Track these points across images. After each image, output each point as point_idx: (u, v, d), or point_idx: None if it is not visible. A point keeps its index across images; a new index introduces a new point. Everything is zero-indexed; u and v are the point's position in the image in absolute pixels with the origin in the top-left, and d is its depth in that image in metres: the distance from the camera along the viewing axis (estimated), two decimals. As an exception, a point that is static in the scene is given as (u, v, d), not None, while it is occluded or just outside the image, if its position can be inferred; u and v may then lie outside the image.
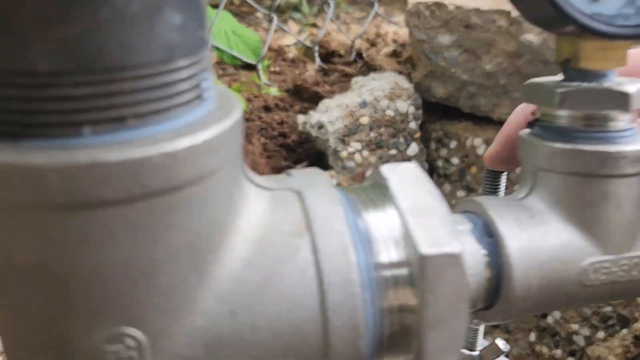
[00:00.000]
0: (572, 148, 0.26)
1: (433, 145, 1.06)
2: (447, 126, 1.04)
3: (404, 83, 1.03)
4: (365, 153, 0.98)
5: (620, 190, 0.27)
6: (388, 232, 0.25)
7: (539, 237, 0.27)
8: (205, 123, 0.19)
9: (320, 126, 0.96)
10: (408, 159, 1.03)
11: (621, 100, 0.26)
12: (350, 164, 0.96)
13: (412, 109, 1.02)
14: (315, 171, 0.26)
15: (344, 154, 0.96)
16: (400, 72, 1.08)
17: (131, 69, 0.17)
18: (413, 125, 1.02)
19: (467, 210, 0.29)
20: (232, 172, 0.21)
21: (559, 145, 0.27)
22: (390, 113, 0.99)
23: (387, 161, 1.00)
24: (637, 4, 0.25)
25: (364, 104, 0.98)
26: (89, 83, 0.17)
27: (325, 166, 0.98)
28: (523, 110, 0.39)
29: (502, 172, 0.41)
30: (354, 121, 0.97)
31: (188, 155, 0.18)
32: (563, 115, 0.27)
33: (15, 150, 0.17)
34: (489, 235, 0.27)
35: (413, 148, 1.03)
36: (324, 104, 1.00)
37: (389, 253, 0.24)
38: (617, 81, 0.27)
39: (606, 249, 0.27)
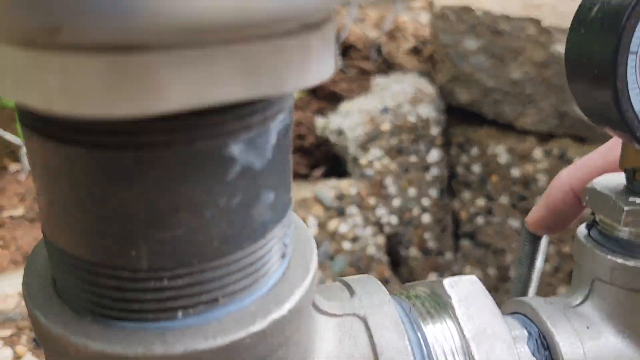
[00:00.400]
0: (635, 266, 0.27)
1: (454, 151, 1.06)
2: (469, 132, 1.04)
3: (427, 87, 1.02)
4: (386, 161, 0.98)
5: None
6: (448, 347, 0.25)
7: (595, 350, 0.28)
8: (289, 284, 0.20)
9: (340, 132, 0.96)
10: (428, 165, 1.03)
11: None
12: (369, 171, 0.97)
13: (434, 115, 1.02)
14: (371, 281, 0.27)
15: (363, 161, 0.96)
16: (422, 73, 1.07)
17: (228, 255, 0.17)
18: (434, 131, 1.02)
19: (519, 312, 0.30)
20: (308, 312, 0.22)
21: (620, 260, 0.27)
22: (411, 119, 0.99)
23: (407, 169, 1.00)
24: None
25: (385, 110, 0.97)
26: (186, 274, 0.17)
27: (343, 172, 0.98)
28: (569, 177, 0.39)
29: (542, 235, 0.41)
30: (375, 127, 0.96)
31: (276, 327, 0.19)
32: (627, 230, 0.28)
33: (109, 336, 0.17)
34: (545, 347, 0.28)
35: (433, 155, 1.03)
36: (344, 107, 1.00)
37: None
38: None
39: None
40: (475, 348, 0.25)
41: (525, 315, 0.30)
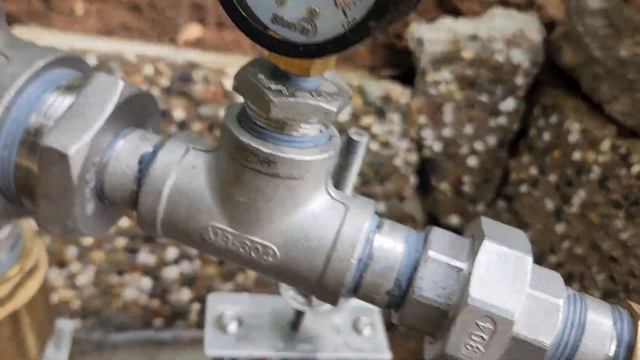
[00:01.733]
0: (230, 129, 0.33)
1: (537, 111, 1.02)
2: (560, 98, 0.99)
3: (532, 33, 0.98)
4: (453, 87, 0.98)
5: (251, 180, 0.33)
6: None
7: (188, 177, 0.35)
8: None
9: (420, 42, 0.97)
10: (497, 111, 1.01)
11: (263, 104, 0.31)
12: (432, 90, 0.98)
13: (527, 64, 0.98)
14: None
15: (429, 78, 0.97)
16: (534, 15, 1.01)
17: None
18: (520, 80, 0.99)
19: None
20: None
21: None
22: (499, 58, 0.97)
23: (473, 105, 0.99)
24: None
25: (474, 38, 0.96)
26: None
27: (410, 81, 1.01)
28: None
29: None
30: (456, 50, 0.96)
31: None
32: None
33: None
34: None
35: (508, 104, 1.00)
36: (439, 20, 1.00)
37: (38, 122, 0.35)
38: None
39: (236, 223, 0.34)
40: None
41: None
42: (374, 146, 0.99)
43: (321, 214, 0.35)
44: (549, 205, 0.96)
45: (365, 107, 0.96)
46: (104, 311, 1.04)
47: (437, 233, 0.36)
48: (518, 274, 0.33)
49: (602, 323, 0.34)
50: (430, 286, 0.34)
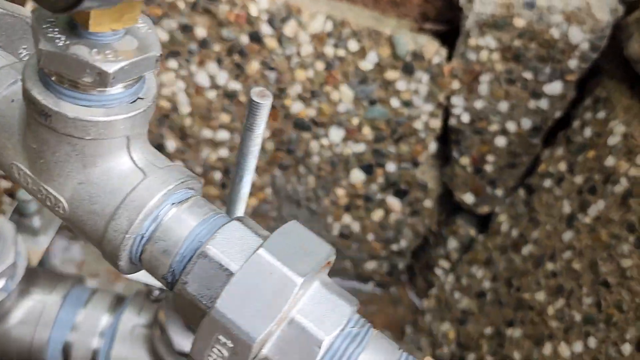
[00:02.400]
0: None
1: (588, 102, 0.89)
2: (615, 92, 0.85)
3: (601, 11, 0.83)
4: (496, 56, 0.88)
5: (36, 130, 0.31)
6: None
7: (4, 109, 0.34)
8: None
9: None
10: (540, 93, 0.89)
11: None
12: (472, 56, 0.88)
13: (586, 46, 0.84)
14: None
15: (472, 42, 0.88)
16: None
17: None
18: (574, 63, 0.86)
19: None
20: None
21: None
22: (554, 33, 0.84)
23: (514, 81, 0.89)
24: None
25: (530, 5, 0.84)
26: None
27: (453, 39, 0.91)
28: None
29: None
30: (507, 16, 0.85)
31: None
32: None
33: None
34: None
35: (554, 87, 0.88)
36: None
37: None
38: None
39: (33, 168, 0.32)
40: None
41: None
42: (395, 103, 0.92)
43: (114, 178, 0.32)
44: (566, 208, 0.85)
45: (392, 60, 0.89)
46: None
47: (233, 226, 0.32)
48: (281, 293, 0.29)
49: None
50: (195, 283, 0.31)
